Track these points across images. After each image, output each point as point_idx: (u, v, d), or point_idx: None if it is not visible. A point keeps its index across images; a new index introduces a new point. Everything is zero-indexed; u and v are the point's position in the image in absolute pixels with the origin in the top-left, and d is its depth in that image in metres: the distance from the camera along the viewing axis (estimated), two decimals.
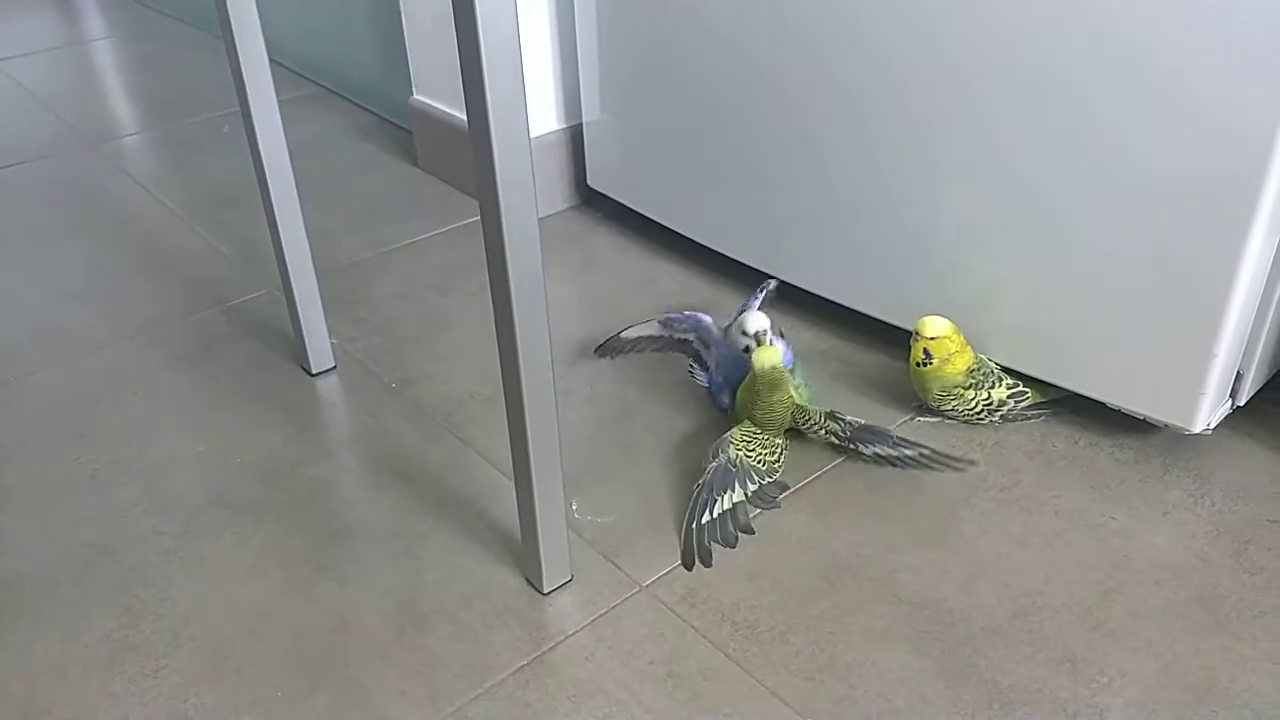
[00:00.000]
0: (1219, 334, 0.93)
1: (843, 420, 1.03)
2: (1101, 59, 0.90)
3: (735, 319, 1.09)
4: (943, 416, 1.09)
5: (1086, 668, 0.83)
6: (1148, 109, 0.89)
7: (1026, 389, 1.09)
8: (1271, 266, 0.93)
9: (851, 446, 1.03)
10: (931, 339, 1.05)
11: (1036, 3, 0.92)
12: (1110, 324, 1.00)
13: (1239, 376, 1.00)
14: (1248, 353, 0.98)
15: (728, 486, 0.98)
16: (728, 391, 1.08)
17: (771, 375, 1.02)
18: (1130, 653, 0.84)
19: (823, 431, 1.03)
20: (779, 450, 1.02)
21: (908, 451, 1.01)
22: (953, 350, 1.05)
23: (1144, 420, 1.03)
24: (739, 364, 1.06)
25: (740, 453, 1.00)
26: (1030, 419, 1.09)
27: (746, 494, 0.98)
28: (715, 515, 0.96)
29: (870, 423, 1.03)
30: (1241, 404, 1.02)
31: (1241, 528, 0.95)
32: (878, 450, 1.02)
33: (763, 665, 0.84)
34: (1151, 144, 0.90)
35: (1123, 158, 0.93)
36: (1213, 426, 1.00)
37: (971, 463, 1.02)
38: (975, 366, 1.07)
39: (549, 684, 0.83)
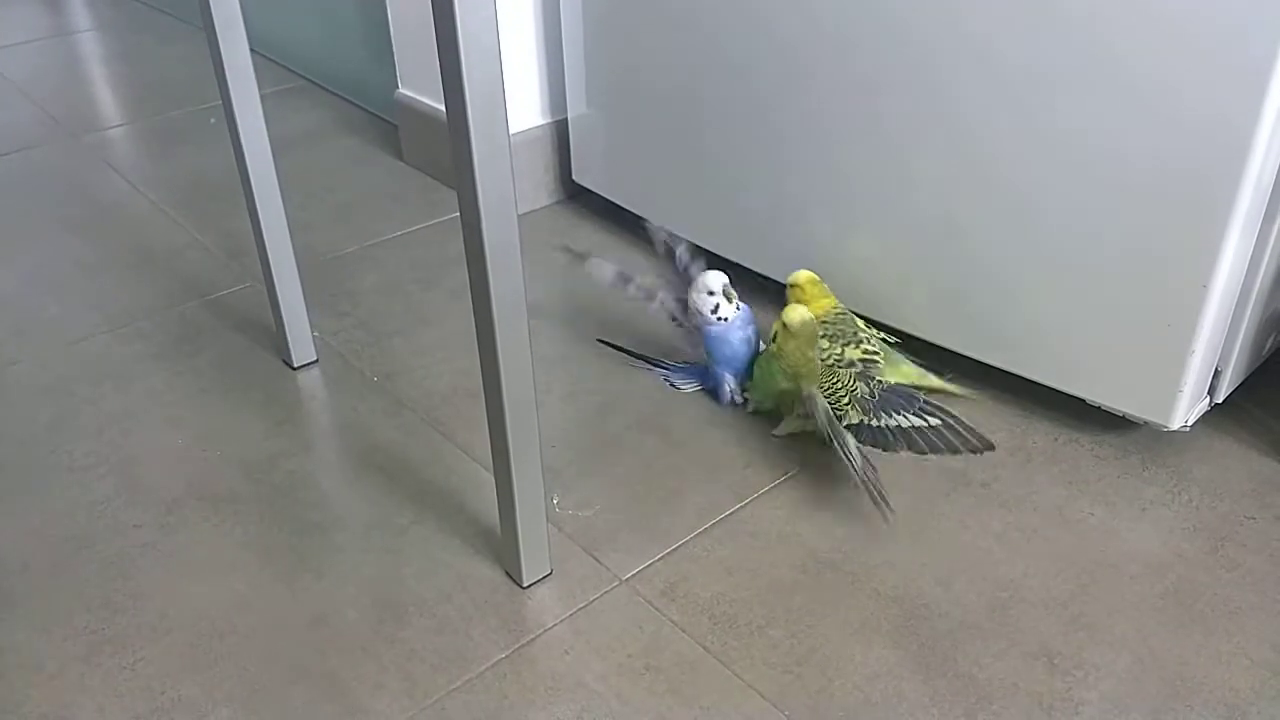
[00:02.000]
0: (1197, 331, 0.93)
1: (872, 381, 1.01)
2: (1077, 52, 0.91)
3: (689, 289, 1.09)
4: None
5: (1063, 662, 0.83)
6: (1125, 103, 0.90)
7: (879, 357, 1.08)
8: (1249, 264, 0.94)
9: (873, 419, 1.00)
10: (791, 286, 1.13)
11: (1015, 9, 0.93)
12: (1089, 321, 1.00)
13: (1217, 374, 1.00)
14: (1225, 350, 0.99)
15: (844, 435, 0.97)
16: (733, 377, 1.08)
17: (807, 329, 1.02)
18: (1106, 647, 0.85)
19: (846, 398, 1.00)
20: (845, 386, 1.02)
21: (933, 420, 0.98)
22: (805, 298, 1.11)
23: (1123, 417, 1.04)
24: (732, 342, 1.08)
25: (825, 400, 1.00)
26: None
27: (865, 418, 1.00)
28: (860, 459, 0.96)
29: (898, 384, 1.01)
30: (1220, 401, 1.03)
31: (1218, 524, 0.96)
32: (900, 421, 0.99)
33: (741, 659, 0.84)
34: (1129, 139, 0.91)
35: (1100, 153, 0.93)
36: (1191, 423, 1.01)
37: (990, 447, 0.97)
38: (831, 318, 1.10)
39: (527, 677, 0.83)
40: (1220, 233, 0.89)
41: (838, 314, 1.11)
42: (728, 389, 1.09)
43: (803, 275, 1.13)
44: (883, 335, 1.12)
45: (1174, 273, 0.93)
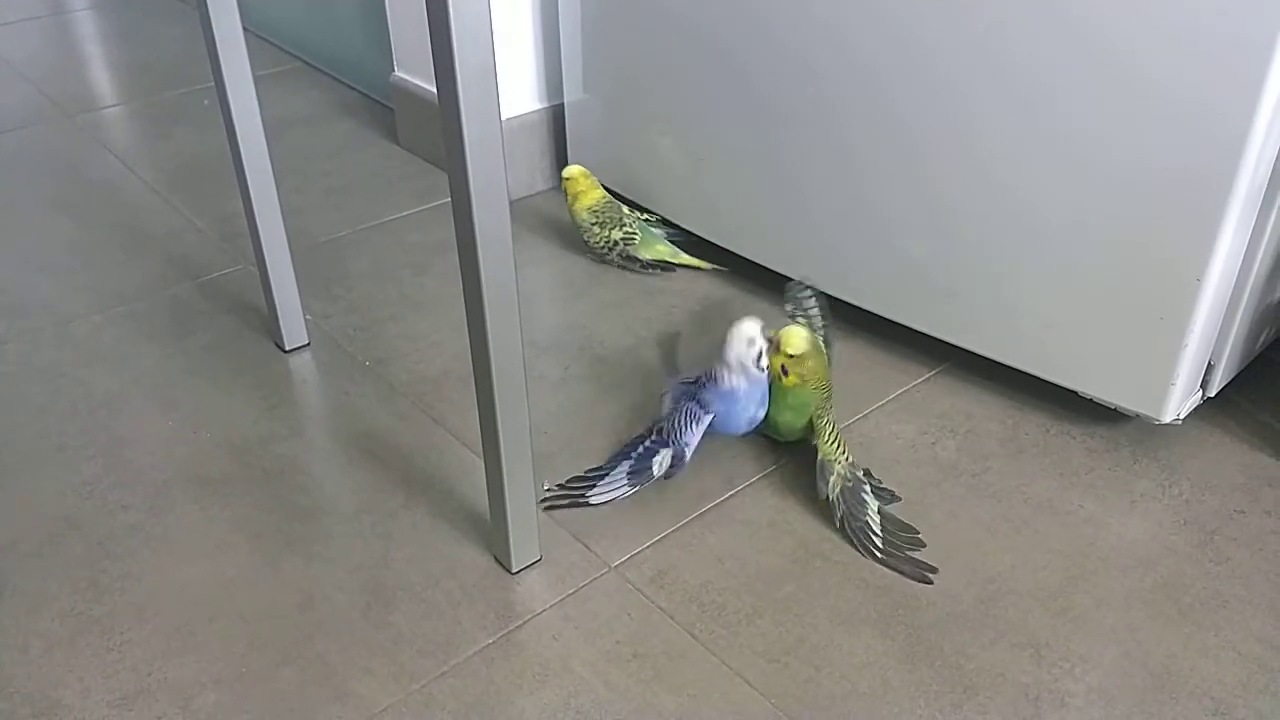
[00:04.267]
0: (1190, 325, 0.93)
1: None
2: (1075, 48, 0.90)
3: (718, 363, 0.98)
4: (594, 254, 1.34)
5: (1050, 653, 0.83)
6: (1122, 98, 0.89)
7: (636, 236, 1.31)
8: (1243, 258, 0.94)
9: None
10: (565, 179, 1.34)
11: (1013, 1, 0.92)
12: (1082, 313, 1.00)
13: (1210, 368, 1.00)
14: (1219, 344, 0.99)
15: (863, 502, 0.94)
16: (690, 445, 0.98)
17: (812, 344, 0.97)
18: (1094, 639, 0.85)
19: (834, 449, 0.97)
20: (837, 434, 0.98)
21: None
22: (579, 190, 1.33)
23: (1115, 410, 1.04)
24: (748, 408, 0.99)
25: (840, 464, 0.95)
26: (651, 272, 1.32)
27: (875, 492, 0.96)
28: (882, 533, 0.92)
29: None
30: (1212, 395, 1.03)
31: (1208, 518, 0.96)
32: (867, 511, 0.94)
33: (729, 647, 0.84)
34: (1125, 133, 0.90)
35: (1097, 147, 0.92)
36: (1183, 417, 1.01)
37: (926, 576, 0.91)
38: (600, 208, 1.32)
39: (514, 662, 0.83)
40: (1215, 226, 0.88)
41: (606, 203, 1.33)
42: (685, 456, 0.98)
43: (575, 169, 1.34)
44: (644, 218, 1.35)
45: (1168, 266, 0.92)
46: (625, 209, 1.34)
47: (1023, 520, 0.96)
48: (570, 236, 1.43)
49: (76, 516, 0.97)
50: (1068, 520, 0.96)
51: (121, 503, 0.98)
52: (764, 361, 0.98)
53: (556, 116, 1.50)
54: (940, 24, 0.98)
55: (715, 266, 1.31)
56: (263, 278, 1.16)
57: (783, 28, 1.11)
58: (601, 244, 1.32)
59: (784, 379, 0.98)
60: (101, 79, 1.99)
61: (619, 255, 1.32)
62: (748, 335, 0.97)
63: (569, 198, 1.34)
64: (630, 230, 1.31)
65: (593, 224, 1.32)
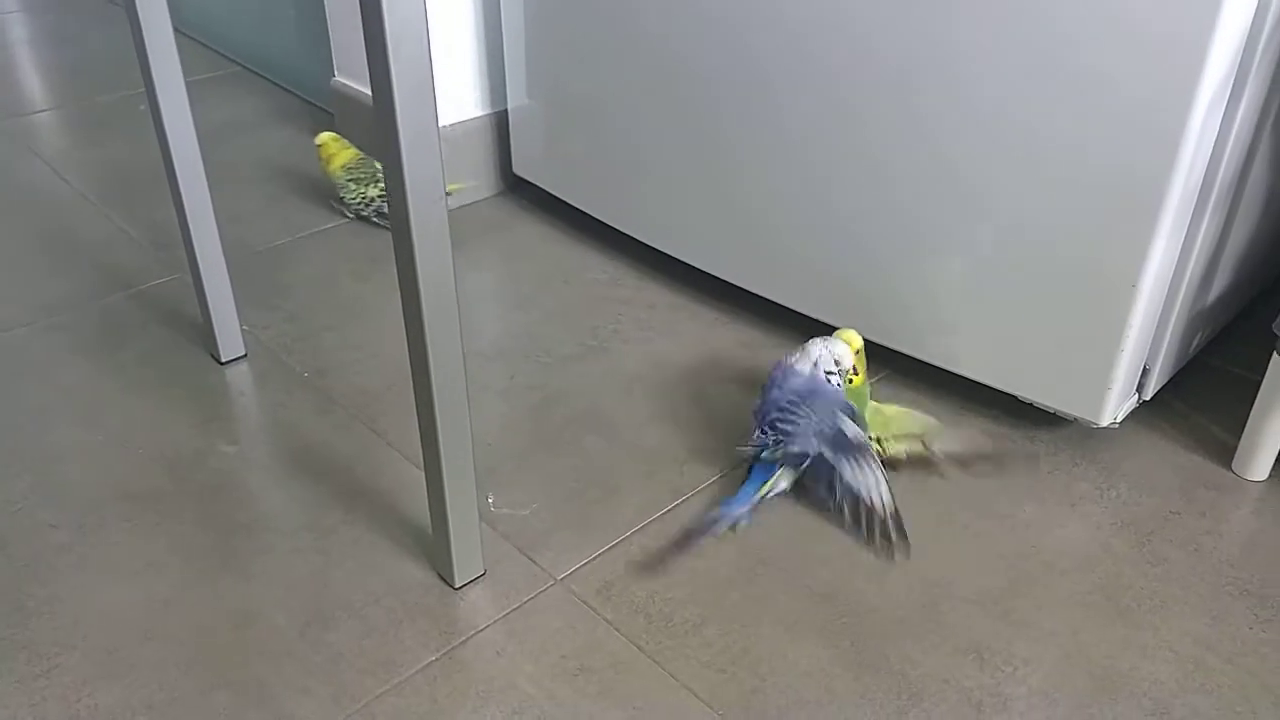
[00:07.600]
0: (1126, 329, 0.95)
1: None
2: (1014, 53, 0.91)
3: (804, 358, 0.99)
4: (346, 208, 1.43)
5: (992, 657, 0.84)
6: (1059, 104, 0.90)
7: None
8: (1177, 263, 0.95)
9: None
10: (318, 144, 1.42)
11: (957, 3, 0.93)
12: (1021, 319, 1.01)
13: (1145, 372, 1.02)
14: (1154, 348, 1.00)
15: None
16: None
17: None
18: (1035, 642, 0.85)
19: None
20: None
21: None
22: (331, 153, 1.41)
23: (1054, 414, 1.05)
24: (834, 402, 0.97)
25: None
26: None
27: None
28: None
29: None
30: (1148, 399, 1.04)
31: (1145, 519, 0.98)
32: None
33: (675, 658, 0.84)
34: (1062, 139, 0.92)
35: (1034, 153, 0.94)
36: (1120, 420, 1.02)
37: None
38: (354, 165, 1.40)
39: (458, 680, 0.82)
40: (1149, 233, 0.90)
41: (360, 160, 1.41)
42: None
43: (325, 135, 1.42)
44: None
45: (1104, 272, 0.94)
46: (379, 165, 1.37)
47: (964, 524, 0.97)
48: (515, 243, 1.42)
49: (2, 536, 0.93)
50: (1009, 524, 0.97)
51: (49, 521, 0.95)
52: (840, 374, 0.99)
53: (500, 123, 1.48)
54: (883, 14, 0.99)
55: (473, 183, 1.42)
56: (197, 288, 1.13)
57: (727, 33, 1.11)
58: (357, 200, 1.38)
59: (855, 378, 1.01)
60: (31, 83, 1.94)
61: (375, 212, 1.40)
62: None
63: (322, 161, 1.41)
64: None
65: (349, 180, 1.38)
